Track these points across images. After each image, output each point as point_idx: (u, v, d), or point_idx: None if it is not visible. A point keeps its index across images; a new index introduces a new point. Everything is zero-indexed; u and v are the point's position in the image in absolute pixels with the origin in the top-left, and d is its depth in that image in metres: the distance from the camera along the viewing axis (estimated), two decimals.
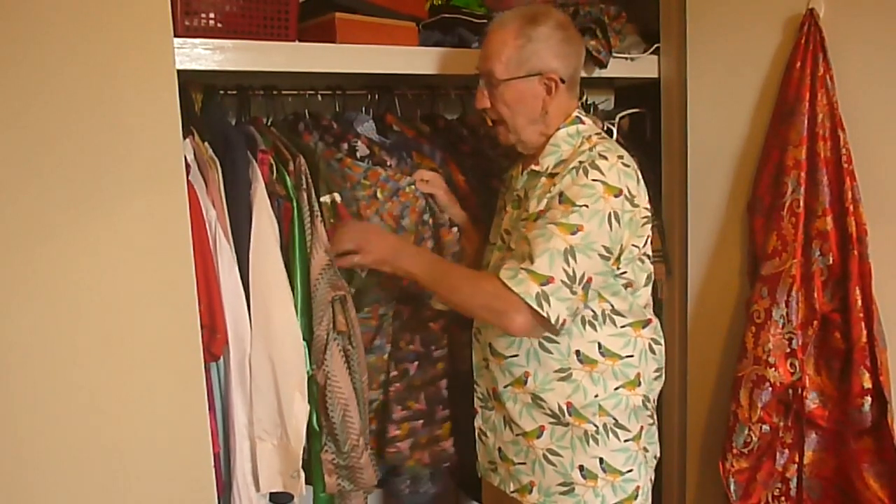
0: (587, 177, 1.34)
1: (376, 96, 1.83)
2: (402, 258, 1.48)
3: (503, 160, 1.81)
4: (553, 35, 1.42)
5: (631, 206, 1.37)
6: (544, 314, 1.30)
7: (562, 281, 1.31)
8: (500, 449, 1.55)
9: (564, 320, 1.33)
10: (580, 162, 1.37)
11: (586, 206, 1.32)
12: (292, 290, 1.47)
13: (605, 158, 1.37)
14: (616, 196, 1.34)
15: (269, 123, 1.73)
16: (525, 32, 1.41)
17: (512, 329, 1.36)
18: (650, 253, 1.47)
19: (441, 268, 1.51)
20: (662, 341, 1.54)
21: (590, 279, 1.33)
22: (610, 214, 1.33)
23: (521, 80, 1.42)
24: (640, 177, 1.43)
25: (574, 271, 1.31)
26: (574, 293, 1.32)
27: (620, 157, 1.40)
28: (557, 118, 1.46)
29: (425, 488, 1.69)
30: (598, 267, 1.34)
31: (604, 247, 1.34)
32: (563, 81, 1.43)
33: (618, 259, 1.38)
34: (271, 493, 1.55)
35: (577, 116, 1.48)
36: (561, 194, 1.35)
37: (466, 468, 1.74)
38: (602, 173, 1.34)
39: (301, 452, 1.49)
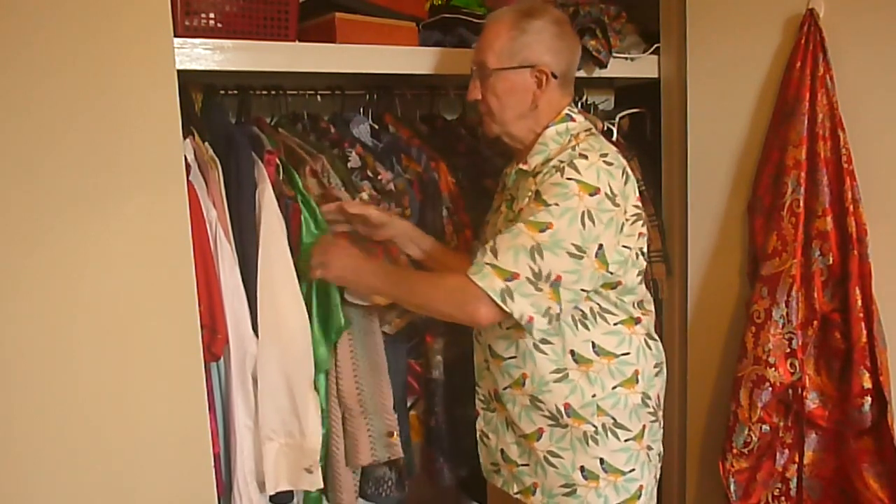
0: (562, 175, 1.34)
1: (375, 96, 1.83)
2: (362, 275, 1.48)
3: (498, 160, 1.81)
4: (547, 29, 1.42)
5: (612, 205, 1.34)
6: (508, 310, 1.30)
7: (527, 278, 1.30)
8: (502, 451, 1.54)
9: (531, 317, 1.32)
10: (560, 161, 1.37)
11: (557, 204, 1.31)
12: (309, 291, 1.50)
13: (585, 157, 1.36)
14: (592, 195, 1.32)
15: (272, 124, 1.73)
16: (519, 25, 1.42)
17: (477, 318, 1.34)
18: (644, 249, 1.45)
19: (400, 274, 1.53)
20: (657, 336, 1.54)
21: (558, 277, 1.31)
22: (583, 213, 1.31)
23: (512, 71, 1.42)
24: (629, 174, 1.40)
25: (540, 269, 1.30)
26: (539, 290, 1.31)
27: (604, 155, 1.37)
28: (548, 115, 1.46)
29: (388, 492, 1.69)
30: (566, 265, 1.31)
31: (574, 245, 1.31)
32: (554, 77, 1.43)
33: (604, 261, 1.35)
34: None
35: (567, 114, 1.46)
36: (537, 193, 1.35)
37: (468, 470, 1.74)
38: (578, 172, 1.33)
39: (319, 447, 1.51)
